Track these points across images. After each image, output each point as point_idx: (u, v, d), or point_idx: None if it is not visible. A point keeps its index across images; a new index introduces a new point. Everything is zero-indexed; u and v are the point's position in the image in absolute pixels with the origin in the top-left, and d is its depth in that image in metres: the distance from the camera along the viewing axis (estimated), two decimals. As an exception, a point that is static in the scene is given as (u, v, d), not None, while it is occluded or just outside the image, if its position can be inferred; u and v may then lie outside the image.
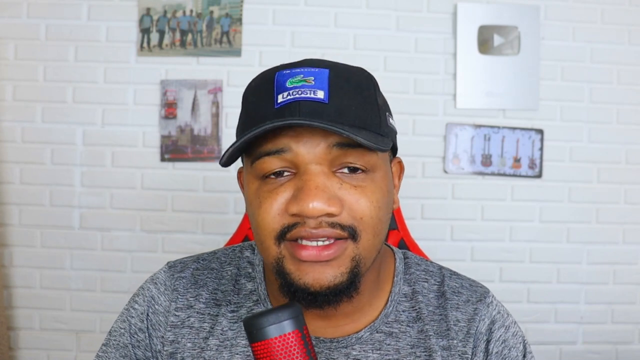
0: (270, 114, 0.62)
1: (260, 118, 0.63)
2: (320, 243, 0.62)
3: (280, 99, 0.62)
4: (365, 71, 0.69)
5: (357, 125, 0.62)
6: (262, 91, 0.65)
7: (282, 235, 0.62)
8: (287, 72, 0.64)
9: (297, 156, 0.62)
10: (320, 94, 0.62)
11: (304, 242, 0.62)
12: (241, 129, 0.67)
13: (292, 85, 0.63)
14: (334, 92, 0.62)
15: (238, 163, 0.73)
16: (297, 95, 0.62)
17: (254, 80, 0.69)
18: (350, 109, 0.62)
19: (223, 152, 0.67)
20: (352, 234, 0.62)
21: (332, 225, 0.61)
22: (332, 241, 0.62)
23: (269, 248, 0.64)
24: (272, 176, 0.63)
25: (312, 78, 0.63)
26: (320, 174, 0.61)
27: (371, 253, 0.65)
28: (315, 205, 0.59)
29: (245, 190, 0.69)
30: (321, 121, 0.59)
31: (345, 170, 0.63)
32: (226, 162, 0.65)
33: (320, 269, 0.62)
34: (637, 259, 2.06)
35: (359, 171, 0.63)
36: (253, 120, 0.64)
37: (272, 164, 0.63)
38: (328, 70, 0.64)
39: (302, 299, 0.63)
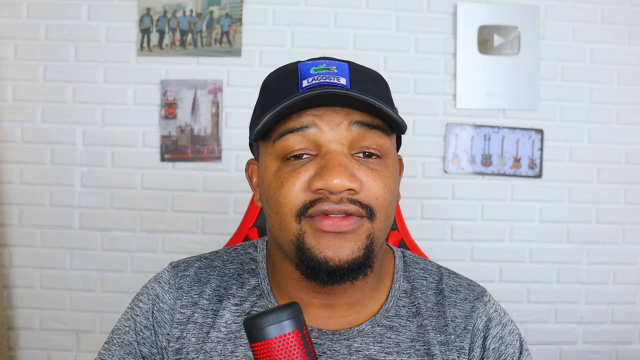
0: (295, 96, 0.65)
1: (286, 99, 0.65)
2: (341, 217, 0.64)
3: (305, 83, 0.66)
4: (379, 73, 0.74)
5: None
6: (285, 78, 0.68)
7: (303, 212, 0.65)
8: (310, 62, 0.69)
9: (320, 133, 0.65)
10: (343, 81, 0.66)
11: (326, 214, 0.64)
12: (262, 112, 0.69)
13: (316, 72, 0.67)
14: (355, 81, 0.67)
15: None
16: (321, 80, 0.66)
17: (273, 72, 0.72)
18: (370, 95, 0.66)
19: (251, 131, 0.70)
20: (369, 213, 0.65)
21: (353, 202, 0.64)
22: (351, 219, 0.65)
23: (289, 225, 0.66)
24: (292, 159, 0.66)
25: (335, 67, 0.68)
26: (342, 153, 0.65)
27: (382, 234, 0.68)
28: (340, 180, 0.62)
29: (261, 175, 0.71)
30: (355, 89, 0.64)
31: (361, 155, 0.67)
32: (256, 136, 0.68)
33: (339, 242, 0.64)
34: (637, 259, 2.06)
35: (374, 156, 0.67)
36: (277, 102, 0.66)
37: (295, 141, 0.66)
38: (347, 64, 0.69)
39: (321, 273, 0.65)
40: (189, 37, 1.98)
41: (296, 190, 0.65)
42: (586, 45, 2.05)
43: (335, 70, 0.67)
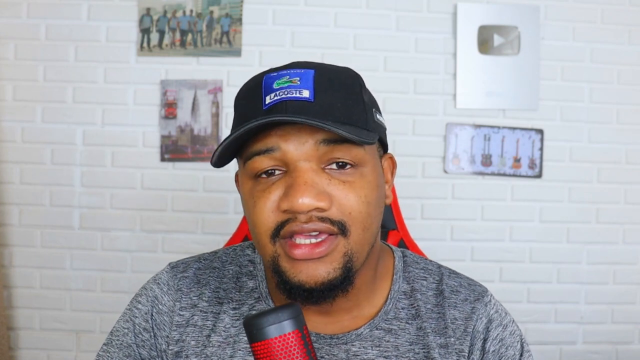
0: (258, 114, 0.65)
1: (249, 119, 0.65)
2: (313, 240, 0.64)
3: (267, 100, 0.65)
4: (352, 70, 0.71)
5: (343, 121, 0.65)
6: (251, 94, 0.68)
7: (277, 233, 0.64)
8: (275, 74, 0.67)
9: (285, 154, 0.64)
10: (306, 93, 0.64)
11: (297, 240, 0.64)
12: (230, 134, 0.69)
13: (278, 87, 0.65)
14: (319, 91, 0.65)
15: (236, 163, 0.74)
16: (283, 96, 0.64)
17: (244, 84, 0.72)
18: (335, 106, 0.65)
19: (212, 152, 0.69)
20: (342, 229, 0.64)
21: (322, 219, 0.63)
22: (323, 237, 0.64)
23: (265, 246, 0.66)
24: (264, 175, 0.66)
25: (298, 79, 0.65)
26: (309, 170, 0.64)
27: (363, 247, 0.67)
28: (304, 200, 0.61)
29: (240, 191, 0.71)
30: (306, 117, 0.62)
31: (334, 166, 0.65)
32: (217, 162, 0.67)
33: (313, 266, 0.64)
34: (637, 259, 2.06)
35: (348, 166, 0.65)
36: (242, 121, 0.66)
37: (262, 163, 0.65)
38: (313, 70, 0.66)
39: (298, 296, 0.65)
40: (189, 37, 1.98)
41: (267, 211, 0.64)
42: (586, 45, 2.05)
43: (298, 83, 0.65)
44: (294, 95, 0.64)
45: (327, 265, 0.64)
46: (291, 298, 0.66)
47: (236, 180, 0.77)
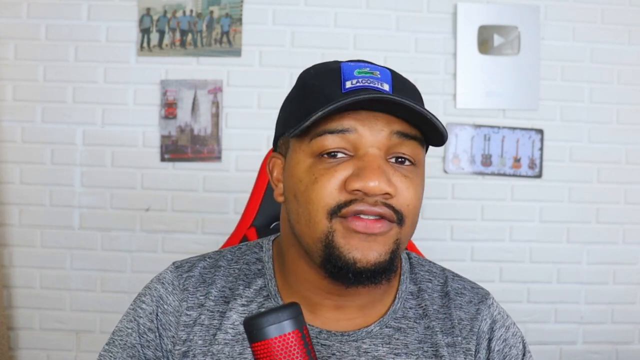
0: (337, 96, 0.65)
1: (326, 99, 0.65)
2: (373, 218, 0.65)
3: (348, 84, 0.66)
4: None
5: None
6: (327, 77, 0.68)
7: (337, 211, 0.65)
8: (353, 64, 0.69)
9: (360, 138, 0.65)
10: (386, 87, 0.66)
11: (361, 216, 0.65)
12: (305, 109, 0.68)
13: (360, 75, 0.67)
14: (397, 88, 0.67)
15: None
16: (365, 84, 0.66)
17: (311, 67, 0.73)
18: (412, 102, 0.67)
19: (296, 125, 0.67)
20: (400, 218, 0.66)
21: (387, 205, 0.65)
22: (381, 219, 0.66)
23: (319, 222, 0.66)
24: (326, 156, 0.66)
25: (378, 72, 0.68)
26: (380, 157, 0.65)
27: (407, 240, 0.69)
28: (378, 184, 0.63)
29: (290, 170, 0.70)
30: (400, 95, 0.63)
31: (393, 160, 0.67)
32: (299, 133, 0.66)
33: (368, 244, 0.65)
34: (637, 259, 2.06)
35: (407, 163, 0.68)
36: (318, 100, 0.66)
37: (333, 142, 0.66)
38: (389, 71, 0.70)
39: (349, 273, 0.65)
40: (189, 37, 1.98)
41: (331, 188, 0.65)
42: (586, 45, 2.05)
43: (379, 76, 0.67)
44: (376, 85, 0.66)
45: (380, 246, 0.65)
46: (338, 278, 0.66)
47: (267, 164, 0.77)
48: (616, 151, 2.05)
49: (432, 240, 2.01)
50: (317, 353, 0.67)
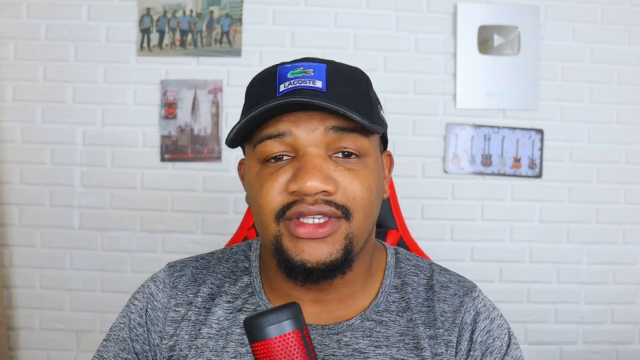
0: (272, 100, 0.67)
1: (260, 105, 0.67)
2: (316, 221, 0.66)
3: (282, 87, 0.68)
4: (360, 69, 0.75)
5: (352, 110, 0.68)
6: (265, 82, 0.71)
7: (282, 214, 0.67)
8: (289, 65, 0.71)
9: (296, 139, 0.67)
10: (319, 84, 0.68)
11: (302, 220, 0.66)
12: (244, 117, 0.71)
13: (293, 76, 0.69)
14: (331, 82, 0.68)
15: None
16: (297, 84, 0.67)
17: (256, 75, 0.75)
18: (345, 98, 0.68)
19: (226, 136, 0.73)
20: (345, 213, 0.67)
21: (328, 203, 0.66)
22: (327, 219, 0.67)
23: (268, 226, 0.68)
24: (272, 160, 0.69)
25: (312, 70, 0.69)
26: (318, 156, 0.67)
27: (363, 233, 0.70)
28: (313, 183, 0.64)
29: (246, 176, 0.74)
30: (321, 99, 0.65)
31: (340, 155, 0.68)
32: (231, 142, 0.71)
33: (315, 245, 0.67)
34: (637, 259, 2.06)
35: (353, 156, 0.69)
36: (254, 107, 0.68)
37: (273, 147, 0.68)
38: (326, 65, 0.70)
39: (299, 275, 0.68)
40: (189, 37, 1.98)
41: (274, 192, 0.67)
42: (586, 45, 2.05)
43: (312, 74, 0.68)
44: (307, 84, 0.67)
45: (330, 246, 0.67)
46: (291, 277, 0.69)
47: (239, 170, 0.80)
48: (616, 151, 2.05)
49: (432, 240, 2.01)
50: (317, 353, 0.67)
